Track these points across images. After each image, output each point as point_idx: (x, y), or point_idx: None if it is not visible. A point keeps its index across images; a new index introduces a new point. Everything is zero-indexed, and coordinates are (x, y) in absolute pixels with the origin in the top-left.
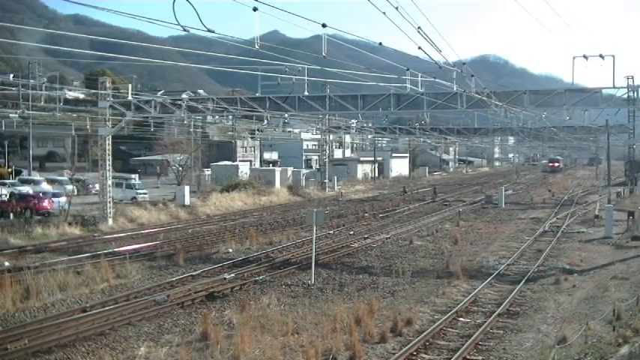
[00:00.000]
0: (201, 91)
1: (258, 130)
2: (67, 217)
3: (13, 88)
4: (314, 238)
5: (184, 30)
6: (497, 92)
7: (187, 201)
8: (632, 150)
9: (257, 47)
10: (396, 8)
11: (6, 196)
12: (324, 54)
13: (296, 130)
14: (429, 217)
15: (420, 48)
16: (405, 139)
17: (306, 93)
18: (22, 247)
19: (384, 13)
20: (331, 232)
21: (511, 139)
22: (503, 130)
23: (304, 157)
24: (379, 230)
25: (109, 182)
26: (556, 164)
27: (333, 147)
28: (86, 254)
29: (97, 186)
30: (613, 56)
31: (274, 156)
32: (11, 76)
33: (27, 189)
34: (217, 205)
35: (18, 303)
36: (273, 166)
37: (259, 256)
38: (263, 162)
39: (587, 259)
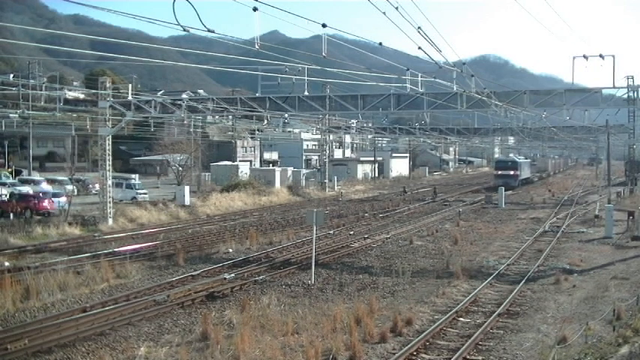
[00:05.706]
0: (201, 91)
1: (258, 130)
2: (67, 217)
3: (13, 88)
4: (314, 238)
5: (184, 30)
6: (497, 92)
7: (187, 201)
8: (632, 150)
9: (257, 47)
10: (396, 8)
11: (6, 196)
12: (324, 54)
13: (296, 130)
14: (429, 217)
15: (420, 48)
16: (405, 139)
17: (306, 93)
18: (22, 247)
19: (384, 13)
20: (331, 232)
21: (511, 139)
22: (503, 130)
23: (304, 157)
24: (379, 230)
25: (109, 182)
26: (511, 172)
27: (333, 147)
28: (86, 254)
29: (97, 186)
30: (613, 56)
31: (274, 156)
32: (11, 76)
33: (27, 189)
34: (217, 205)
35: (18, 303)
36: (273, 166)
37: (259, 256)
38: (263, 162)
39: (587, 259)
